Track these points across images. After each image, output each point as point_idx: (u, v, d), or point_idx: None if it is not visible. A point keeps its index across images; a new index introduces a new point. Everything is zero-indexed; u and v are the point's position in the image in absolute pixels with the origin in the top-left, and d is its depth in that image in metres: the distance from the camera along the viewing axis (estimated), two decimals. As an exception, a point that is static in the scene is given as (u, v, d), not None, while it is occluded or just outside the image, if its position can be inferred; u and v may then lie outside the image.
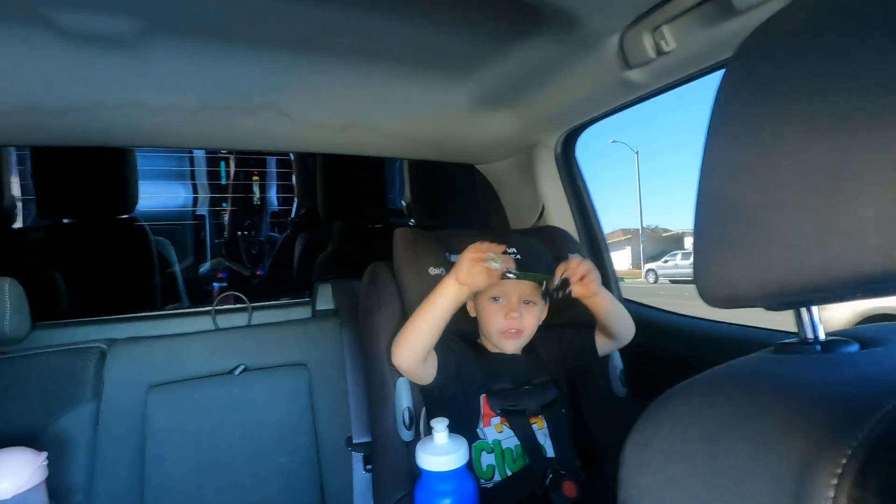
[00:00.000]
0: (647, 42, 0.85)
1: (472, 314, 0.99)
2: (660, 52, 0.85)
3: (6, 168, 2.07)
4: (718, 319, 1.11)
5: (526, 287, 0.95)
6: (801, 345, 0.38)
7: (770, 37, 0.35)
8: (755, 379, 0.33)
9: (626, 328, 0.99)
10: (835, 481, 0.22)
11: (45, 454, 0.82)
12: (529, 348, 1.03)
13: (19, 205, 2.30)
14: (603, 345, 1.01)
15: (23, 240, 1.90)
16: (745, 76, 0.37)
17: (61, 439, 1.00)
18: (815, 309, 0.38)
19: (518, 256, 0.92)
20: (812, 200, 0.30)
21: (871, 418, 0.24)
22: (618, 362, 1.09)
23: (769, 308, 0.37)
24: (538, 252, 0.98)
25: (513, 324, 0.93)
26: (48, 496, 0.83)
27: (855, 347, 0.37)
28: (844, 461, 0.22)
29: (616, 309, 0.98)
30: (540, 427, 0.94)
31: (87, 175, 1.92)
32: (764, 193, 0.33)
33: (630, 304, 1.38)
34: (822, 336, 0.38)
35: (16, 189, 2.27)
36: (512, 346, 0.96)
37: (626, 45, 0.89)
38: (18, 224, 2.23)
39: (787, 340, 0.40)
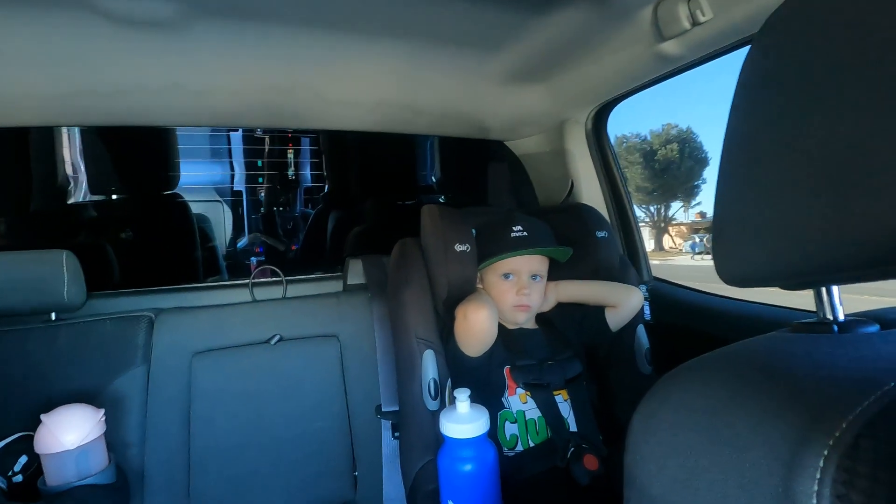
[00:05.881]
0: (682, 12, 0.82)
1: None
2: (695, 23, 0.83)
3: (59, 148, 2.20)
4: (748, 299, 1.09)
5: (535, 262, 0.99)
6: (818, 324, 0.38)
7: (798, 11, 0.34)
8: (765, 356, 0.34)
9: (615, 297, 1.03)
10: (826, 451, 0.23)
11: (103, 411, 0.90)
12: (549, 324, 1.05)
13: (72, 182, 2.44)
14: (612, 318, 1.03)
15: (76, 215, 2.02)
16: (770, 52, 0.36)
17: (117, 398, 1.08)
18: (835, 289, 0.38)
19: (525, 234, 0.97)
20: (832, 180, 0.30)
21: (870, 394, 0.25)
22: (644, 341, 1.09)
23: (786, 288, 0.37)
24: (543, 226, 1.03)
25: (523, 300, 0.98)
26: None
27: (875, 328, 0.37)
28: (838, 434, 0.23)
29: (589, 289, 1.05)
30: (565, 399, 0.96)
31: (133, 154, 2.02)
32: (784, 173, 0.33)
33: (660, 283, 1.37)
34: (840, 316, 0.38)
35: (68, 167, 2.40)
36: (523, 318, 1.01)
37: (659, 16, 0.86)
38: (72, 200, 2.36)
39: (806, 320, 0.40)
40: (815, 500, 0.23)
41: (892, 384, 0.25)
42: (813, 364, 0.30)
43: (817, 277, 0.34)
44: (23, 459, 0.88)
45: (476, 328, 0.90)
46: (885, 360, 0.29)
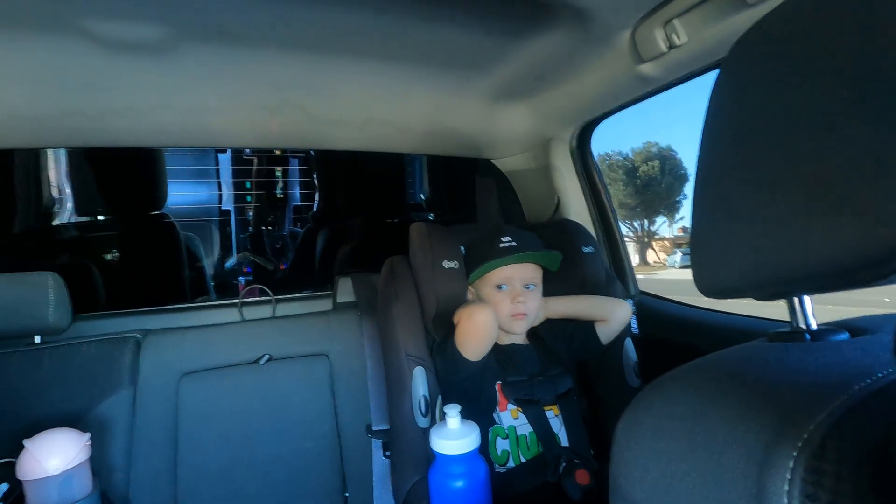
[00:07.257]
0: (659, 36, 0.86)
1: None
2: (672, 46, 0.86)
3: (44, 168, 2.18)
4: (732, 312, 1.11)
5: (527, 271, 1.01)
6: (792, 333, 0.39)
7: (761, 38, 0.36)
8: (740, 364, 0.35)
9: (604, 310, 1.05)
10: (795, 452, 0.24)
11: (88, 435, 0.89)
12: (539, 340, 1.06)
13: (57, 202, 2.41)
14: (602, 331, 1.05)
15: (61, 236, 2.01)
16: (737, 76, 0.38)
17: (102, 422, 1.06)
18: (807, 299, 0.40)
19: (514, 243, 0.98)
20: (796, 196, 0.32)
21: (837, 398, 0.26)
22: (632, 354, 1.10)
23: (759, 298, 0.39)
24: (531, 236, 1.05)
25: (519, 308, 0.98)
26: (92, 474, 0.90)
27: (845, 336, 0.38)
28: (806, 435, 0.25)
29: (577, 304, 1.07)
30: (556, 414, 0.97)
31: (119, 174, 2.01)
32: (753, 189, 0.35)
33: (647, 298, 1.39)
34: (813, 325, 0.40)
35: (53, 188, 2.38)
36: (521, 327, 1.01)
37: (637, 40, 0.89)
38: (57, 221, 2.34)
39: (781, 330, 0.41)
40: (786, 499, 0.24)
41: (857, 388, 0.26)
42: (784, 370, 0.32)
43: (787, 288, 0.36)
44: (4, 487, 0.86)
45: (482, 326, 0.90)
46: (852, 365, 0.30)
